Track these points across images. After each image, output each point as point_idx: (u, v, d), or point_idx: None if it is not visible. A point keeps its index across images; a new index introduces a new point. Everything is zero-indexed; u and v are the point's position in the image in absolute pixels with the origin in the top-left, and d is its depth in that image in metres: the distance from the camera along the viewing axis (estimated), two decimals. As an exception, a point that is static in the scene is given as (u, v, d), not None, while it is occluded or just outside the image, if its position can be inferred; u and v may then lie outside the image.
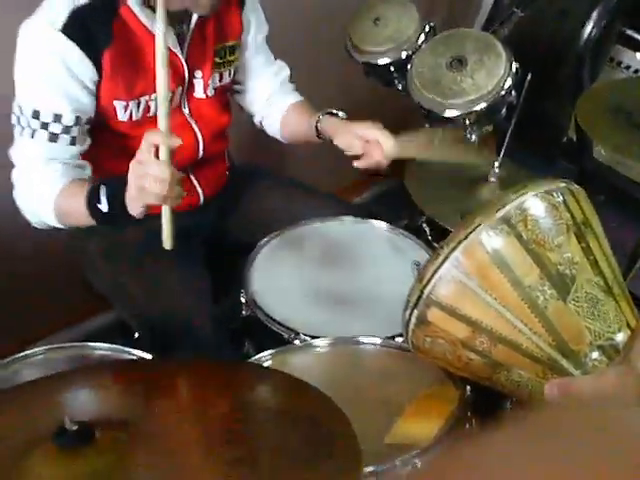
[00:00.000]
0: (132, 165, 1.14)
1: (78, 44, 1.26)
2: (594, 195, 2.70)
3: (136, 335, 1.58)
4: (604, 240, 1.03)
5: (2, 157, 1.37)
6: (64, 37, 1.25)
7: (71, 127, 1.33)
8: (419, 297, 0.96)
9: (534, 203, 0.96)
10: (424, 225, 1.94)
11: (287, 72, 1.74)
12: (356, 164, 1.46)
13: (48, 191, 1.32)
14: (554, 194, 0.97)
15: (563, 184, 1.00)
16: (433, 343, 0.99)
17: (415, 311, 0.97)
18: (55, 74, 1.28)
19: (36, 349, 1.24)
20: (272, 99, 1.70)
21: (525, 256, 0.94)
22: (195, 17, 1.40)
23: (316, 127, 1.56)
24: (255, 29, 1.60)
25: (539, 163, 2.36)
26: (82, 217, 1.27)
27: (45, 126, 1.30)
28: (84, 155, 1.41)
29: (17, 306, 1.99)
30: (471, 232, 0.94)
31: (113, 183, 1.23)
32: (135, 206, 1.18)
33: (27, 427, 0.85)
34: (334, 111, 1.57)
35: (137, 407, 0.91)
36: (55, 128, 1.31)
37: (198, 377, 1.00)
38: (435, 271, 0.94)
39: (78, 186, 1.30)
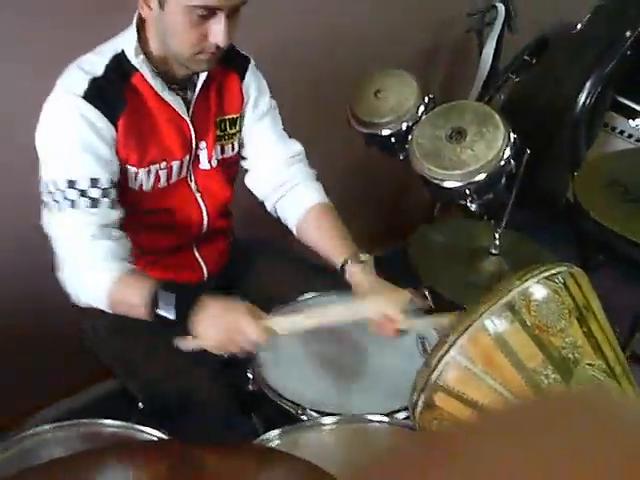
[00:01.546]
0: (233, 318, 1.25)
1: (99, 109, 1.31)
2: (593, 255, 2.75)
3: (140, 405, 1.59)
4: (605, 321, 1.05)
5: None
6: (86, 103, 1.29)
7: (109, 189, 1.34)
8: (426, 382, 0.98)
9: (537, 289, 0.99)
10: (426, 292, 1.95)
11: (297, 149, 1.65)
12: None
13: (101, 279, 1.33)
14: (556, 280, 1.00)
15: (564, 268, 1.03)
16: (440, 425, 1.01)
17: (422, 395, 0.99)
18: (84, 138, 1.31)
19: (46, 426, 1.22)
20: (284, 183, 1.62)
21: (529, 341, 0.97)
22: (199, 84, 1.44)
23: (342, 267, 1.49)
24: (256, 98, 1.59)
25: (538, 228, 2.40)
26: (139, 314, 1.30)
27: (84, 193, 1.31)
28: None
29: (16, 375, 2.00)
30: (476, 319, 0.97)
31: (179, 294, 1.28)
32: (212, 342, 1.27)
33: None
34: (359, 258, 1.48)
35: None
36: (94, 193, 1.32)
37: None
38: (441, 357, 0.97)
39: (138, 278, 1.33)
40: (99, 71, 1.33)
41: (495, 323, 0.97)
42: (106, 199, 1.34)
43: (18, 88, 1.68)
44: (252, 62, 1.59)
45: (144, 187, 1.44)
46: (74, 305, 1.41)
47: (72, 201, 1.31)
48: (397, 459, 0.34)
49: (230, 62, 1.51)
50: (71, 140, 1.31)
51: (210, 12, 1.26)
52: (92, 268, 1.34)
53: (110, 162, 1.35)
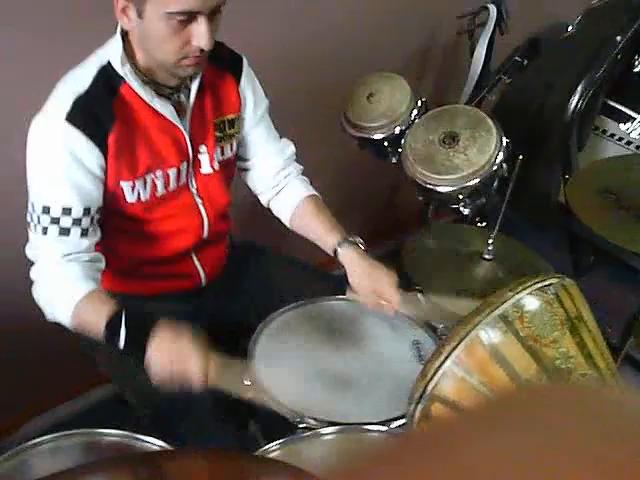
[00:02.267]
0: (176, 349, 1.27)
1: (83, 131, 1.30)
2: (584, 256, 2.77)
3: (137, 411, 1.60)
4: (597, 331, 1.08)
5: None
6: (70, 126, 1.29)
7: (81, 219, 1.35)
8: (423, 393, 1.00)
9: (529, 301, 1.01)
10: (419, 295, 1.97)
11: (292, 149, 1.71)
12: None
13: (68, 298, 1.35)
14: (548, 291, 1.02)
15: (556, 279, 1.05)
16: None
17: (419, 406, 1.01)
18: (62, 166, 1.31)
19: (45, 437, 1.21)
20: (279, 182, 1.68)
21: (523, 352, 0.99)
22: (194, 90, 1.43)
23: (334, 251, 1.57)
24: (253, 104, 1.61)
25: (530, 230, 2.43)
26: (98, 335, 1.32)
27: (56, 221, 1.33)
28: (99, 243, 1.44)
29: (13, 379, 2.01)
30: (471, 330, 0.99)
31: (134, 322, 1.31)
32: (160, 371, 1.28)
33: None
34: (352, 239, 1.56)
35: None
36: (65, 222, 1.34)
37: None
38: (438, 368, 0.99)
39: (98, 301, 1.35)
40: (85, 86, 1.32)
41: (489, 334, 0.99)
42: (77, 228, 1.35)
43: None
44: (245, 61, 1.58)
45: (142, 198, 1.43)
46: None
47: (44, 228, 1.34)
48: (380, 457, 0.33)
49: (223, 63, 1.51)
50: (51, 167, 1.32)
51: (190, 16, 1.24)
52: (58, 290, 1.37)
53: (86, 192, 1.35)
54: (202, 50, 1.30)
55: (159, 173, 1.43)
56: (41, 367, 2.06)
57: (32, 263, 1.39)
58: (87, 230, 1.37)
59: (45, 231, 1.34)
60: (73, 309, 1.34)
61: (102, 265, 1.44)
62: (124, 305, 1.33)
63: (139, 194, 1.42)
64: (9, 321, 1.84)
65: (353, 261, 1.53)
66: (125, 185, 1.40)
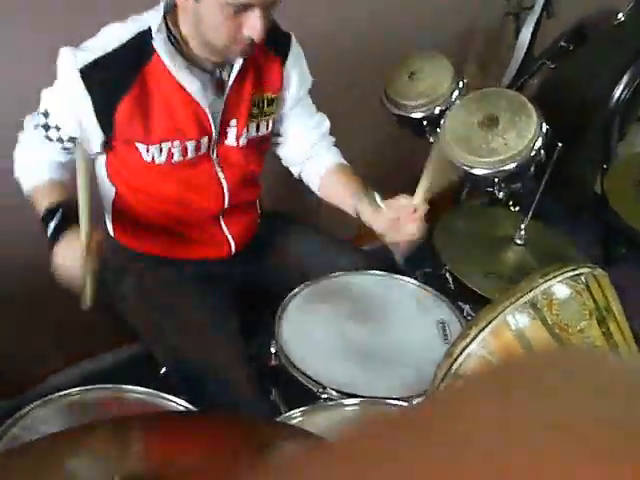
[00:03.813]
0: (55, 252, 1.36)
1: (91, 94, 1.35)
2: (616, 247, 2.75)
3: (162, 370, 1.63)
4: (625, 323, 1.07)
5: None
6: (79, 80, 1.33)
7: (65, 141, 1.46)
8: (447, 372, 1.01)
9: (560, 289, 1.01)
10: (447, 275, 1.97)
11: (327, 125, 1.73)
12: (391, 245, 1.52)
13: (35, 174, 1.50)
14: (579, 280, 1.02)
15: (587, 269, 1.05)
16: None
17: (442, 385, 1.02)
18: (68, 103, 1.39)
19: (70, 390, 1.24)
20: (312, 153, 1.70)
21: (549, 339, 0.99)
22: (237, 68, 1.44)
23: (356, 210, 1.57)
24: (297, 85, 1.62)
25: (563, 219, 2.41)
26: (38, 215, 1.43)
27: (46, 128, 1.44)
28: (112, 172, 1.54)
29: (41, 333, 2.05)
30: (499, 314, 0.99)
31: (65, 216, 1.39)
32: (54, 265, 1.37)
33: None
34: (369, 194, 1.55)
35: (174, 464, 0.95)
36: (52, 134, 1.45)
37: (234, 436, 1.04)
38: (464, 349, 0.99)
39: (50, 188, 1.48)
40: (115, 45, 1.34)
41: (517, 319, 0.99)
42: (59, 144, 1.46)
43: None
44: (293, 40, 1.58)
45: (156, 161, 1.45)
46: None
47: (35, 125, 1.45)
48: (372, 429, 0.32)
49: (270, 42, 1.49)
50: (60, 95, 1.40)
51: (245, 7, 1.27)
52: (34, 157, 1.51)
53: (87, 133, 1.42)
54: (252, 39, 1.32)
55: (176, 143, 1.44)
56: (70, 321, 2.09)
57: None
58: (67, 150, 1.49)
59: (35, 127, 1.46)
60: (33, 185, 1.49)
61: (66, 175, 1.53)
62: (69, 202, 1.41)
63: (154, 157, 1.45)
64: (41, 274, 1.88)
65: (370, 211, 1.51)
66: (140, 146, 1.43)
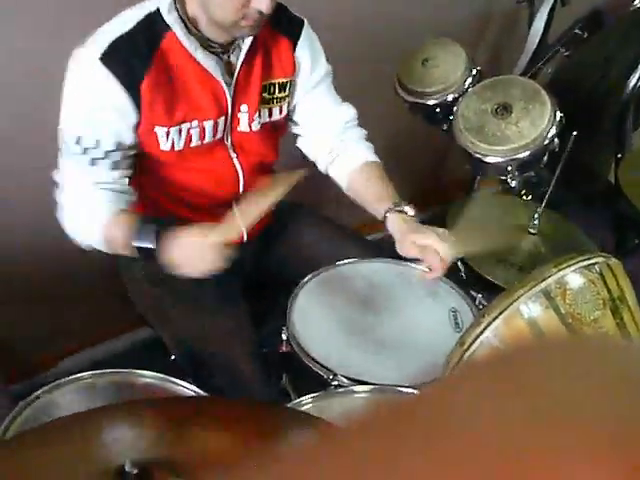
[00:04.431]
0: (187, 241, 1.31)
1: (115, 73, 1.30)
2: (629, 237, 2.74)
3: (172, 357, 1.64)
4: (638, 313, 1.07)
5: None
6: (102, 66, 1.29)
7: (111, 152, 1.37)
8: (460, 360, 1.01)
9: (573, 278, 1.00)
10: (459, 264, 1.97)
11: (351, 114, 1.68)
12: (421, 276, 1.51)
13: (97, 219, 1.38)
14: (593, 270, 1.02)
15: (602, 259, 1.05)
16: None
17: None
18: (93, 104, 1.33)
19: (82, 374, 1.24)
20: (336, 147, 1.65)
21: (562, 329, 0.99)
22: (244, 50, 1.43)
23: (385, 216, 1.53)
24: (309, 69, 1.59)
25: (576, 207, 2.40)
26: (126, 250, 1.36)
27: (87, 152, 1.35)
28: (134, 182, 1.46)
29: (55, 315, 2.07)
30: (512, 302, 0.99)
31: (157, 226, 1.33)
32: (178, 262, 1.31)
33: (79, 464, 0.87)
34: (401, 208, 1.51)
35: (189, 448, 0.95)
36: (96, 153, 1.36)
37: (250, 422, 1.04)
38: (476, 337, 0.99)
39: (121, 218, 1.38)
40: (127, 28, 1.32)
41: (530, 308, 0.99)
42: (108, 160, 1.37)
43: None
44: (306, 25, 1.56)
45: (176, 147, 1.43)
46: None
47: (75, 156, 1.35)
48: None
49: (281, 26, 1.49)
50: (83, 102, 1.34)
51: None
52: (88, 213, 1.39)
53: (119, 129, 1.36)
54: (261, 13, 1.29)
55: (195, 123, 1.43)
56: (82, 306, 2.11)
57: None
58: (118, 163, 1.39)
59: (76, 159, 1.36)
60: (104, 229, 1.37)
61: (133, 198, 1.46)
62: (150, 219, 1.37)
63: (173, 142, 1.42)
64: (56, 258, 1.89)
65: (398, 227, 1.49)
66: (160, 130, 1.40)
